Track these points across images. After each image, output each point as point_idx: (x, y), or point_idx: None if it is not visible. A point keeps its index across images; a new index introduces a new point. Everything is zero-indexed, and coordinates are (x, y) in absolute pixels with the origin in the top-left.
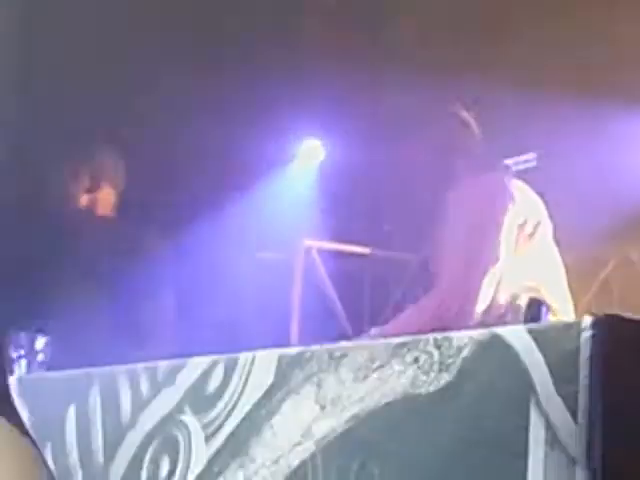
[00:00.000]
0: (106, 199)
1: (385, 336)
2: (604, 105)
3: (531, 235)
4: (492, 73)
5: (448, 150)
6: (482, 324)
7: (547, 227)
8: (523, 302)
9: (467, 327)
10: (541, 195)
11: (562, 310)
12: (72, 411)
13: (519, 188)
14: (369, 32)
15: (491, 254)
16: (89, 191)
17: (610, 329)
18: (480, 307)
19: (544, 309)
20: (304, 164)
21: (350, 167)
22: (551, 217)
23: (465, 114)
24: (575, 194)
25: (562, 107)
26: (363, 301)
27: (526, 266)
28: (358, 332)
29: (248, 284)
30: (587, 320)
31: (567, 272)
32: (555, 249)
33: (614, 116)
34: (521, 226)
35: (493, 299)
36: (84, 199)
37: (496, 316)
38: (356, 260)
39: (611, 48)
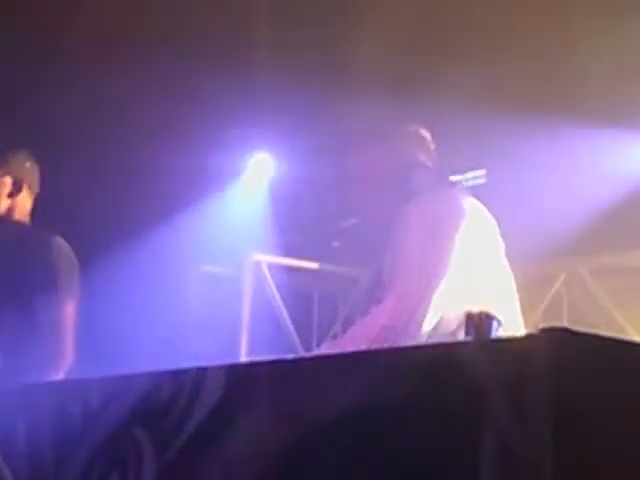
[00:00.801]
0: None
1: (335, 350)
2: (554, 120)
3: (482, 252)
4: (443, 89)
5: (404, 165)
6: (432, 340)
7: (499, 244)
8: (474, 317)
9: (418, 341)
10: (491, 211)
11: (513, 325)
12: (21, 424)
13: (472, 205)
14: (321, 46)
15: (442, 269)
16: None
17: (561, 343)
18: (431, 320)
19: (495, 324)
20: (254, 178)
21: (300, 181)
22: (502, 233)
23: (422, 130)
24: (525, 210)
25: (512, 123)
26: (312, 316)
27: (477, 283)
28: (307, 346)
29: (196, 298)
30: (538, 334)
31: (517, 287)
32: (507, 265)
33: (564, 132)
34: (472, 243)
35: (443, 315)
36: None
37: (447, 332)
38: (305, 275)
39: (565, 63)
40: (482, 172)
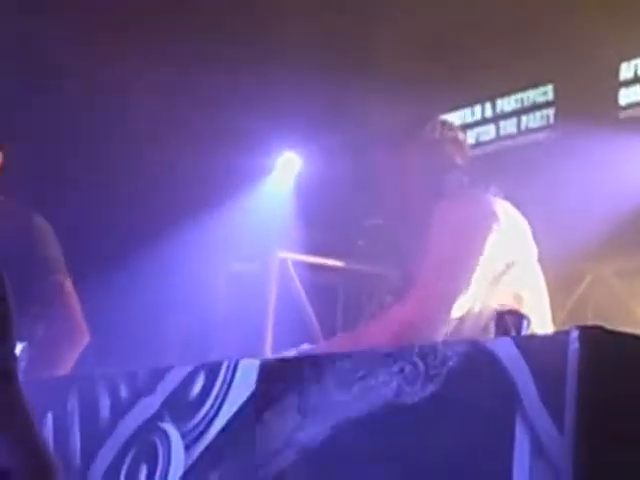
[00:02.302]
0: None
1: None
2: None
3: (513, 254)
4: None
5: (439, 167)
6: (464, 336)
7: (531, 247)
8: (504, 315)
9: (442, 336)
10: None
11: (542, 325)
12: (49, 418)
13: (504, 208)
14: (350, 45)
15: (470, 270)
16: None
17: (595, 341)
18: (449, 321)
19: (525, 322)
20: (281, 176)
21: (327, 180)
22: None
23: (459, 132)
24: (551, 211)
25: None
26: (336, 313)
27: (507, 284)
28: None
29: (223, 295)
30: (574, 332)
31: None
32: (539, 272)
33: (588, 134)
34: (503, 246)
35: (469, 310)
36: None
37: (478, 328)
38: (330, 273)
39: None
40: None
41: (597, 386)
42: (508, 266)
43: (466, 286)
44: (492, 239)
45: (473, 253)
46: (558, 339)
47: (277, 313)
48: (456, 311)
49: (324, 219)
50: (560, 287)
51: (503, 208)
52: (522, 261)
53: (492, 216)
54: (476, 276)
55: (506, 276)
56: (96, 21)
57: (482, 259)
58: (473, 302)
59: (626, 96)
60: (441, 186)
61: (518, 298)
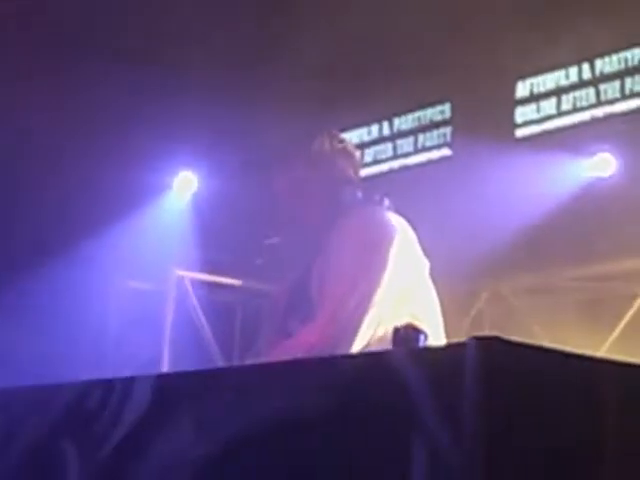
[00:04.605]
0: None
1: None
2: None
3: (409, 268)
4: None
5: (332, 179)
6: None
7: (422, 260)
8: (401, 330)
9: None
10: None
11: (438, 340)
12: None
13: (399, 222)
14: (243, 65)
15: (375, 287)
16: None
17: (492, 350)
18: (360, 343)
19: (422, 337)
20: (178, 195)
21: (223, 199)
22: (425, 252)
23: (349, 145)
24: (448, 228)
25: None
26: (234, 333)
27: (405, 299)
28: (229, 362)
29: (119, 313)
30: (470, 342)
31: (441, 306)
32: (431, 284)
33: (485, 152)
34: (401, 260)
35: (373, 335)
36: None
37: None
38: (228, 292)
39: None
40: None
41: (496, 396)
42: (407, 284)
43: (372, 304)
44: (393, 255)
45: (377, 271)
46: (455, 349)
47: (174, 331)
48: (365, 332)
49: (222, 238)
50: (456, 305)
51: (398, 222)
52: (417, 279)
53: (391, 230)
54: (380, 297)
55: (403, 295)
56: None
57: (387, 275)
58: (377, 325)
59: (522, 114)
60: (336, 200)
61: (414, 317)
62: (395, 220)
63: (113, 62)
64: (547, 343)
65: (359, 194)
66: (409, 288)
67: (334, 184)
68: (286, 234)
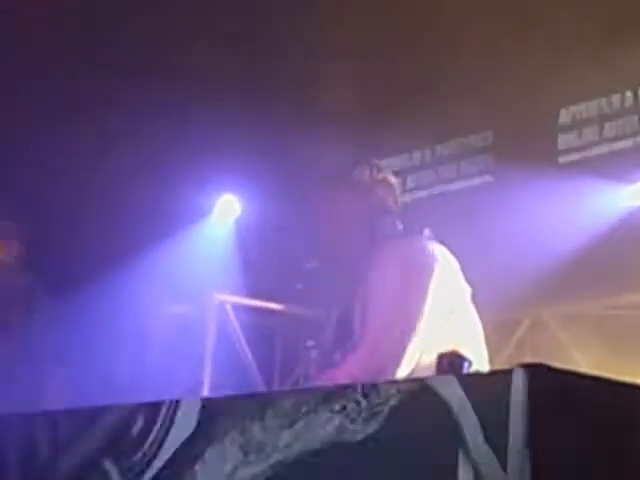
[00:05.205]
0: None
1: None
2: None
3: (452, 297)
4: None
5: (372, 211)
6: None
7: (465, 288)
8: (445, 357)
9: None
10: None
11: (482, 367)
12: None
13: (440, 251)
14: (291, 89)
15: (417, 317)
16: None
17: (539, 378)
18: (404, 372)
19: (466, 364)
20: (220, 219)
21: (266, 223)
22: (467, 279)
23: (389, 175)
24: (489, 255)
25: None
26: (275, 357)
27: (449, 331)
28: (269, 388)
29: (161, 337)
30: (517, 369)
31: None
32: (474, 310)
33: (527, 178)
34: (444, 289)
35: (417, 363)
36: None
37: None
38: (269, 316)
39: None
40: None
41: (542, 424)
42: (450, 312)
43: (415, 334)
44: (434, 284)
45: (419, 300)
46: (501, 377)
47: (215, 356)
48: (409, 361)
49: (263, 262)
50: (498, 332)
51: (439, 251)
52: (460, 306)
53: (432, 259)
54: (422, 326)
55: (446, 323)
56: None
57: (427, 305)
58: (420, 354)
59: (565, 141)
60: (374, 230)
61: (458, 344)
62: (435, 249)
63: (159, 81)
64: (586, 369)
65: (399, 224)
66: (452, 316)
67: (373, 214)
68: (325, 260)
